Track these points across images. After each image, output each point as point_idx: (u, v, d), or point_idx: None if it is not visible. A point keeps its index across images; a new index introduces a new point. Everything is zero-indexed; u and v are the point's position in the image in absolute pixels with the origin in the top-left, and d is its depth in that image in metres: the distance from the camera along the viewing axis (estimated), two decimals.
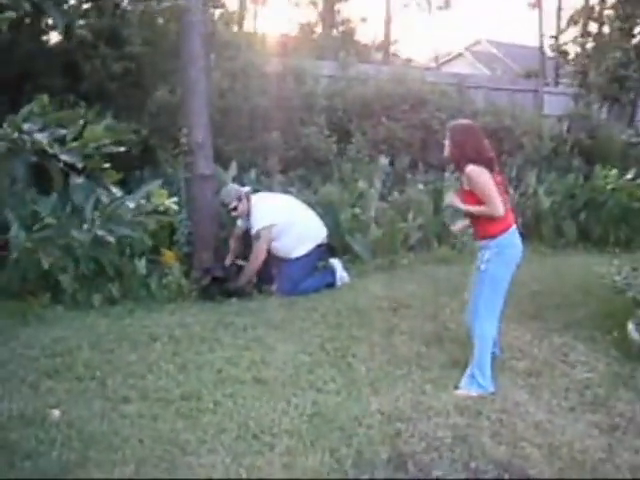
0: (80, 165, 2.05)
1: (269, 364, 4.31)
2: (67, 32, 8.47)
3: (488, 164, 4.01)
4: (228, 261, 6.16)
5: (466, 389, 4.00)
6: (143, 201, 2.14)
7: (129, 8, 8.62)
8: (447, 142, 4.13)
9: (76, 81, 8.29)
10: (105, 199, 2.12)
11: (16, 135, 2.04)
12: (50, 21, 8.43)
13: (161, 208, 2.12)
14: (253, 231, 5.96)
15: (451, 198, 4.31)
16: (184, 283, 5.78)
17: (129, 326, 5.03)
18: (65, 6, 8.24)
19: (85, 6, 8.67)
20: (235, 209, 6.03)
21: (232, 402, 3.77)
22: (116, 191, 2.14)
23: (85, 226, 2.13)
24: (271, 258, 6.05)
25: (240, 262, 6.13)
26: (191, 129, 5.96)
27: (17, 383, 3.95)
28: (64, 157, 2.02)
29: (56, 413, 3.54)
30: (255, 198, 6.11)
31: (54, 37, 8.48)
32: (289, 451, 3.26)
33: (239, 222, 6.20)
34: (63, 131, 2.08)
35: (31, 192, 5.86)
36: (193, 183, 6.04)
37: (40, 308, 5.33)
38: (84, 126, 2.10)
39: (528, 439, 3.44)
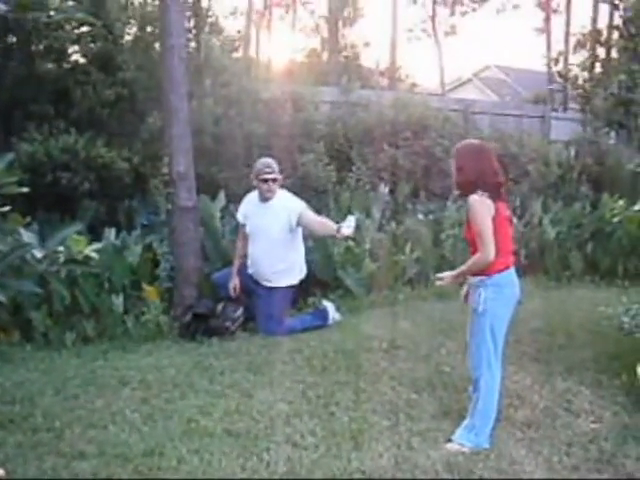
0: None
1: (244, 414, 3.96)
2: (60, 58, 8.36)
3: (494, 191, 3.62)
4: (235, 268, 5.71)
5: (460, 442, 3.63)
6: (61, 248, 1.84)
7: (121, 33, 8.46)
8: (452, 165, 3.77)
9: (67, 107, 8.13)
10: (3, 247, 1.80)
11: None
12: (41, 47, 8.30)
13: (79, 257, 1.81)
14: (295, 217, 5.51)
15: (442, 279, 3.89)
16: (163, 321, 5.45)
17: (100, 368, 4.72)
18: (59, 31, 8.24)
19: (77, 31, 8.53)
20: (275, 180, 5.64)
21: (198, 459, 3.43)
22: (30, 236, 1.83)
23: None
24: (251, 284, 5.71)
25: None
26: (172, 158, 5.66)
27: None
28: None
29: (0, 472, 3.21)
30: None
31: (45, 63, 8.31)
32: None
33: (240, 217, 5.84)
34: None
35: None
36: (174, 215, 5.73)
37: (8, 346, 5.05)
38: None
39: None
